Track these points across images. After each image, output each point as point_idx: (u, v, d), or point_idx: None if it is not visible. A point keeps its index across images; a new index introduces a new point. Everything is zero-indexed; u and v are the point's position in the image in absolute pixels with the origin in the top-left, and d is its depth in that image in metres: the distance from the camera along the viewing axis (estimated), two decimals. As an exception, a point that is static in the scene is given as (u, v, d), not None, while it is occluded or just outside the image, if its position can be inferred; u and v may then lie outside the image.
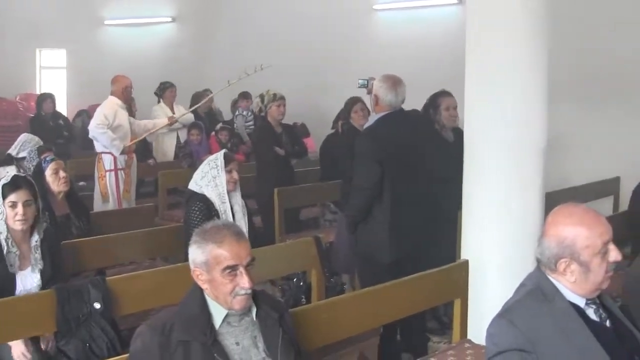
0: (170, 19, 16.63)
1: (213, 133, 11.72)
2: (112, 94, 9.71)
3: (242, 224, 6.39)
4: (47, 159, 6.48)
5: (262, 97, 9.56)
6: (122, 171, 9.54)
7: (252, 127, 12.30)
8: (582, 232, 3.28)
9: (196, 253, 3.58)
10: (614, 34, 10.46)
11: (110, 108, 9.51)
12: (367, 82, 6.89)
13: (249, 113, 12.52)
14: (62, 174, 6.36)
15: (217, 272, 3.53)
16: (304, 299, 6.38)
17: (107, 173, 9.41)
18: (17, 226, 5.17)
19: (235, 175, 6.41)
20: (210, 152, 10.82)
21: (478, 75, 5.39)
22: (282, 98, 9.37)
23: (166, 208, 10.11)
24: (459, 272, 5.36)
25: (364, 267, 6.52)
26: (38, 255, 5.28)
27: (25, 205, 5.17)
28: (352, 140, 8.06)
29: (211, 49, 15.92)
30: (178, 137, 11.76)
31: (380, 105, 6.20)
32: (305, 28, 14.37)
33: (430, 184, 6.34)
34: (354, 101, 8.76)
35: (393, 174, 6.01)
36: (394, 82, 6.18)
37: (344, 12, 13.95)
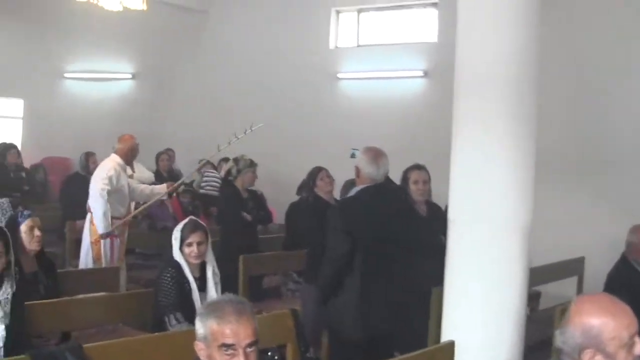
0: (130, 76, 16.56)
1: (175, 195, 11.52)
2: (117, 152, 9.19)
3: (213, 293, 6.23)
4: (25, 213, 6.20)
5: (236, 161, 9.39)
6: (117, 238, 9.02)
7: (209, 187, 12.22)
8: (609, 322, 3.17)
9: (198, 325, 3.50)
10: (577, 117, 10.65)
11: (114, 169, 8.97)
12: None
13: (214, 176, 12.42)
14: (37, 232, 6.11)
15: (214, 348, 3.42)
16: (279, 376, 6.24)
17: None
18: None
19: (195, 249, 6.16)
20: (175, 215, 10.69)
21: (464, 153, 5.39)
22: (256, 165, 9.26)
23: (127, 269, 9.92)
24: (444, 354, 5.24)
25: (334, 343, 6.45)
26: (7, 308, 5.14)
27: None
28: (318, 209, 8.03)
29: (171, 108, 15.86)
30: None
31: (361, 178, 6.18)
32: (267, 93, 14.44)
33: (404, 258, 6.29)
34: (318, 169, 8.65)
35: (365, 246, 5.95)
36: (376, 155, 6.16)
37: (308, 78, 14.03)
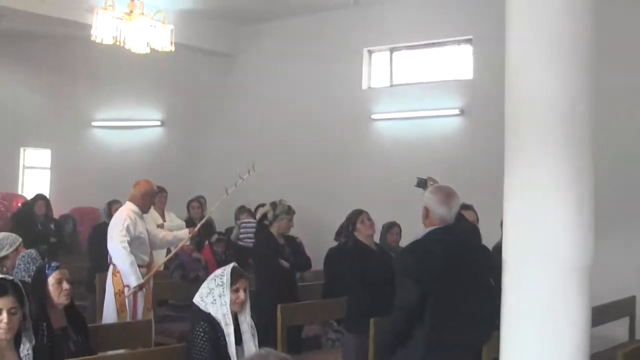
0: (159, 123, 16.30)
1: (207, 243, 11.15)
2: (131, 199, 8.70)
3: (251, 345, 5.93)
4: (52, 265, 5.90)
5: (274, 205, 9.05)
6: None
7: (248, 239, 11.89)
8: None
9: None
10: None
11: (129, 217, 8.44)
12: (426, 181, 6.40)
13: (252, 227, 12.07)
14: (65, 285, 5.81)
15: None
16: None
17: (127, 289, 8.34)
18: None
19: (242, 295, 5.89)
20: (207, 265, 10.35)
21: (518, 191, 5.09)
22: (294, 212, 9.00)
23: (157, 321, 9.54)
24: None
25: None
26: None
27: (10, 313, 4.66)
28: (359, 254, 7.77)
29: (202, 154, 15.57)
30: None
31: (430, 219, 5.76)
32: (299, 137, 14.15)
33: (467, 305, 5.91)
34: (358, 212, 8.12)
35: (436, 294, 5.53)
36: (447, 195, 5.77)
37: (341, 120, 13.71)
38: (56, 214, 14.03)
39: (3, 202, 16.15)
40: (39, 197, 13.22)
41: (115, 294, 8.38)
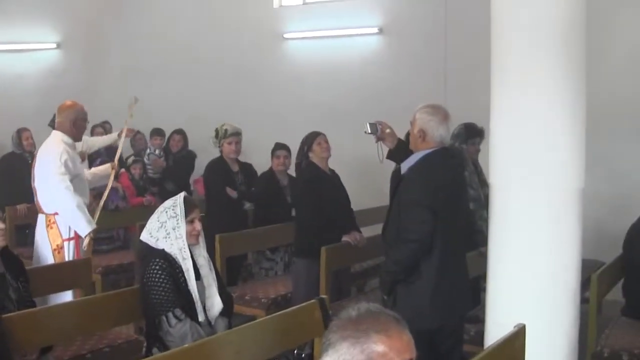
0: (54, 45, 15.30)
1: (122, 171, 10.40)
2: (58, 127, 7.27)
3: (210, 280, 5.53)
4: None
5: (216, 131, 8.61)
6: (85, 238, 7.17)
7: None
8: None
9: (352, 353, 2.51)
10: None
11: (66, 152, 7.07)
12: (376, 125, 5.97)
13: (161, 152, 11.37)
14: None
15: None
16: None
17: (66, 243, 7.10)
18: None
19: (197, 225, 5.45)
20: (125, 194, 9.79)
21: (505, 113, 5.12)
22: (236, 134, 8.53)
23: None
24: (518, 340, 4.56)
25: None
26: None
27: None
28: (314, 178, 7.48)
29: (101, 77, 14.75)
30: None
31: (427, 142, 5.36)
32: (205, 59, 13.55)
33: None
34: (316, 133, 7.68)
35: (444, 223, 5.19)
36: (445, 115, 5.40)
37: (251, 40, 13.13)
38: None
39: None
40: None
41: (54, 250, 7.15)
